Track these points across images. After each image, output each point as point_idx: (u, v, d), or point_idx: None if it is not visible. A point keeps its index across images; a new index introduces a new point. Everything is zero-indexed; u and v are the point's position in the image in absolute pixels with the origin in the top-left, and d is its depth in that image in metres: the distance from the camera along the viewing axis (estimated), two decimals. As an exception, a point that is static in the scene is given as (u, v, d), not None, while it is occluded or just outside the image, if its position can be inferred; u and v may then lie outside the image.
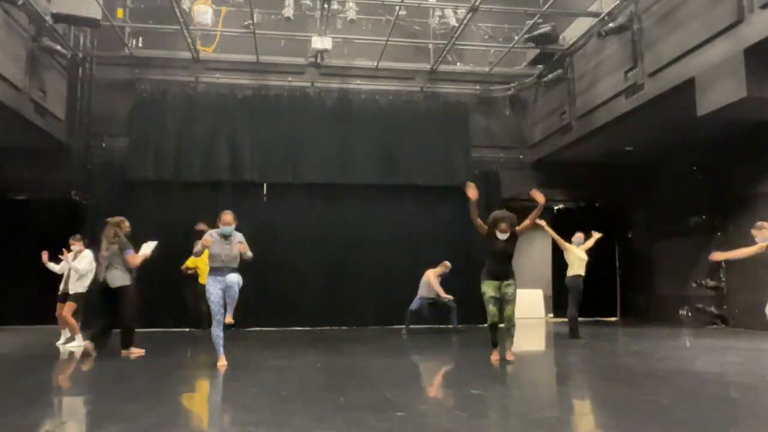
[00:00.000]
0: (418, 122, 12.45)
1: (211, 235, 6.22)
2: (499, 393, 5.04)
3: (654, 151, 11.96)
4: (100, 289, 7.40)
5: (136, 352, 7.24)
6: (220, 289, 6.23)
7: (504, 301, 6.46)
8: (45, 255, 8.57)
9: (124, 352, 7.22)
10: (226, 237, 6.30)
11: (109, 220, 7.48)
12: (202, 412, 4.38)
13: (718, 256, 7.19)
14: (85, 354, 7.03)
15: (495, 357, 6.62)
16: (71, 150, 11.36)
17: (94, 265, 8.46)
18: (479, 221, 6.50)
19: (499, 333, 6.61)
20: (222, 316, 6.26)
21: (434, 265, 10.84)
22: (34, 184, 11.74)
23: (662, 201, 12.84)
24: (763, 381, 5.82)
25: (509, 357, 6.62)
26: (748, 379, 5.88)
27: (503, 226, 6.42)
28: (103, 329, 7.29)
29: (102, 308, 7.49)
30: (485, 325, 6.64)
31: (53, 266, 8.57)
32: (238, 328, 8.57)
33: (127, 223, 7.51)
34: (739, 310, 10.61)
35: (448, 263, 10.72)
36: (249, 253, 6.34)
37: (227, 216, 6.34)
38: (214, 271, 6.25)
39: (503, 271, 6.50)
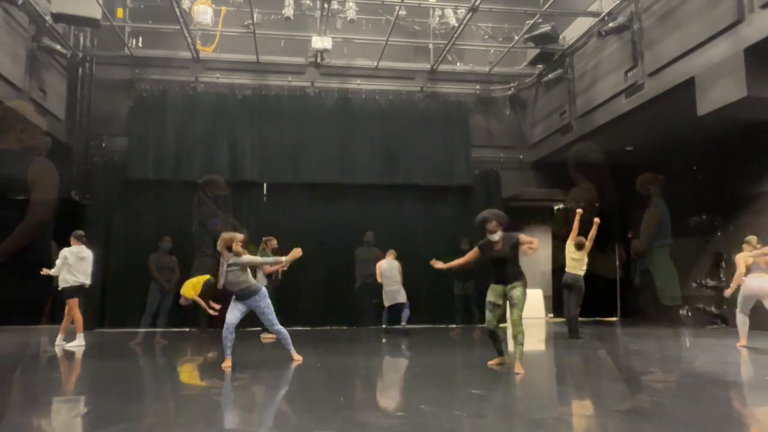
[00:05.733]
0: (418, 122, 12.43)
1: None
2: (499, 393, 5.03)
3: (654, 151, 11.93)
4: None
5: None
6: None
7: (510, 305, 6.00)
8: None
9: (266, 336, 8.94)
10: None
11: (265, 239, 9.36)
12: (202, 413, 4.37)
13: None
14: (268, 341, 8.66)
15: (493, 362, 6.20)
16: (71, 150, 11.34)
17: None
18: (465, 261, 6.52)
19: (504, 340, 6.20)
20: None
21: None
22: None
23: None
24: (763, 381, 5.83)
25: (517, 369, 5.78)
26: (748, 379, 5.89)
27: (492, 225, 6.02)
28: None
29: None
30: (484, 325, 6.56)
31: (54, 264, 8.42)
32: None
33: (274, 241, 9.40)
34: (739, 310, 10.58)
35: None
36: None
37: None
38: None
39: (507, 275, 6.02)
